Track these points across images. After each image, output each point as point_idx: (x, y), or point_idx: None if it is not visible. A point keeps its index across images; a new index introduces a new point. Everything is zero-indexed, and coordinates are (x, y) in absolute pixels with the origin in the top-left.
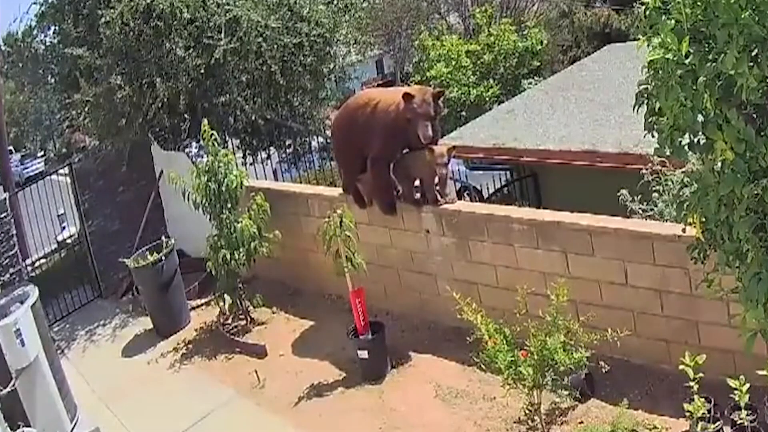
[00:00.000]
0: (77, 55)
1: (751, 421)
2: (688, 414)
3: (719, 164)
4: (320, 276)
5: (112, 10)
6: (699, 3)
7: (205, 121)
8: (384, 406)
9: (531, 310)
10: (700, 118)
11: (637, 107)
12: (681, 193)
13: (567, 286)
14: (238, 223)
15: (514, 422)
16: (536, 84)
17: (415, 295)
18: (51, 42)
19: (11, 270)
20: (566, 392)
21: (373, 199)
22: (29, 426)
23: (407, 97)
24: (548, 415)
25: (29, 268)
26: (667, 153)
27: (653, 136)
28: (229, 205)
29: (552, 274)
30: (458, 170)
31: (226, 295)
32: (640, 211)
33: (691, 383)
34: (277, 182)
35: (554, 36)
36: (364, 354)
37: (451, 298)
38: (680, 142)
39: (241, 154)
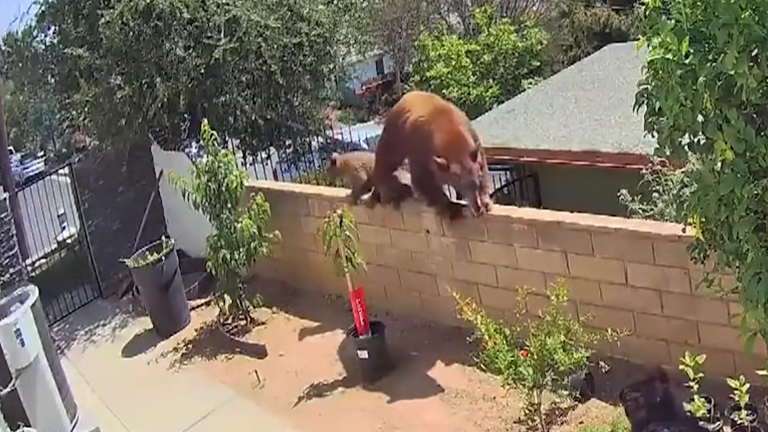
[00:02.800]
0: (77, 55)
1: (751, 421)
2: (687, 414)
3: (719, 164)
4: (320, 276)
5: (111, 10)
6: (699, 3)
7: (205, 121)
8: (384, 406)
9: (531, 310)
10: (700, 118)
11: (637, 107)
12: (681, 193)
13: (567, 285)
14: (238, 223)
15: (514, 422)
16: (536, 84)
17: (415, 295)
18: (51, 42)
19: (11, 270)
20: (566, 392)
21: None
22: (29, 426)
23: (441, 166)
24: (548, 415)
25: (29, 268)
26: (667, 153)
27: (653, 136)
28: (229, 205)
29: (552, 274)
30: None
31: (226, 295)
32: (640, 211)
33: (691, 383)
34: (277, 182)
35: (554, 36)
36: (364, 354)
37: (451, 298)
38: (680, 142)
39: (241, 154)
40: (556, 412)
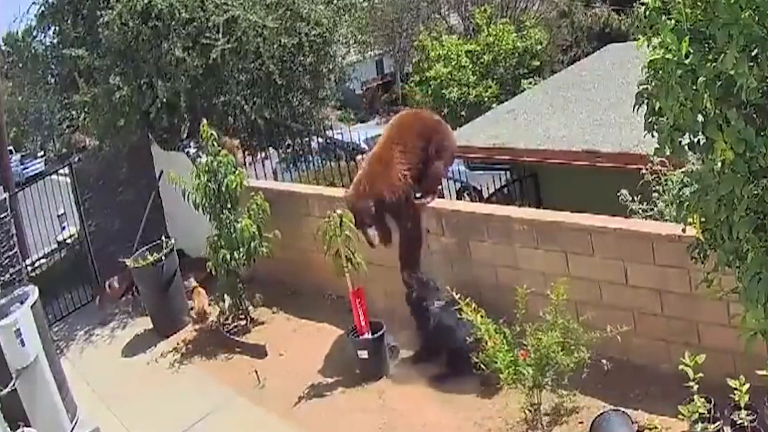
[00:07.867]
0: (77, 55)
1: (751, 421)
2: (687, 414)
3: (719, 164)
4: (320, 276)
5: (110, 11)
6: (699, 3)
7: (205, 120)
8: (384, 406)
9: (531, 310)
10: (700, 118)
11: (637, 107)
12: (681, 193)
13: (566, 284)
14: (238, 223)
15: (515, 422)
16: (536, 84)
17: None
18: (51, 42)
19: (11, 270)
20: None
21: None
22: (29, 426)
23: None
24: (548, 415)
25: (29, 268)
26: (667, 153)
27: (653, 136)
28: (229, 205)
29: (552, 274)
30: (458, 170)
31: (226, 295)
32: (640, 211)
33: (691, 383)
34: (277, 182)
35: (554, 36)
36: (364, 354)
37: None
38: (680, 142)
39: (241, 154)
40: (557, 412)
